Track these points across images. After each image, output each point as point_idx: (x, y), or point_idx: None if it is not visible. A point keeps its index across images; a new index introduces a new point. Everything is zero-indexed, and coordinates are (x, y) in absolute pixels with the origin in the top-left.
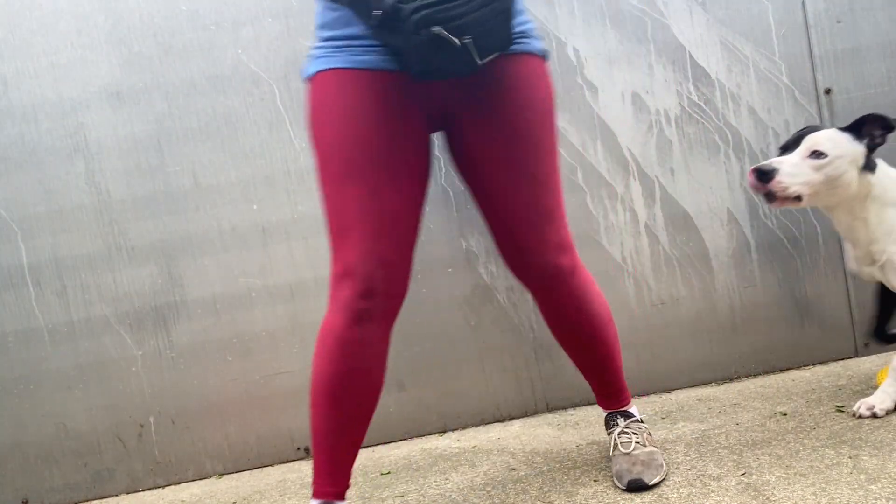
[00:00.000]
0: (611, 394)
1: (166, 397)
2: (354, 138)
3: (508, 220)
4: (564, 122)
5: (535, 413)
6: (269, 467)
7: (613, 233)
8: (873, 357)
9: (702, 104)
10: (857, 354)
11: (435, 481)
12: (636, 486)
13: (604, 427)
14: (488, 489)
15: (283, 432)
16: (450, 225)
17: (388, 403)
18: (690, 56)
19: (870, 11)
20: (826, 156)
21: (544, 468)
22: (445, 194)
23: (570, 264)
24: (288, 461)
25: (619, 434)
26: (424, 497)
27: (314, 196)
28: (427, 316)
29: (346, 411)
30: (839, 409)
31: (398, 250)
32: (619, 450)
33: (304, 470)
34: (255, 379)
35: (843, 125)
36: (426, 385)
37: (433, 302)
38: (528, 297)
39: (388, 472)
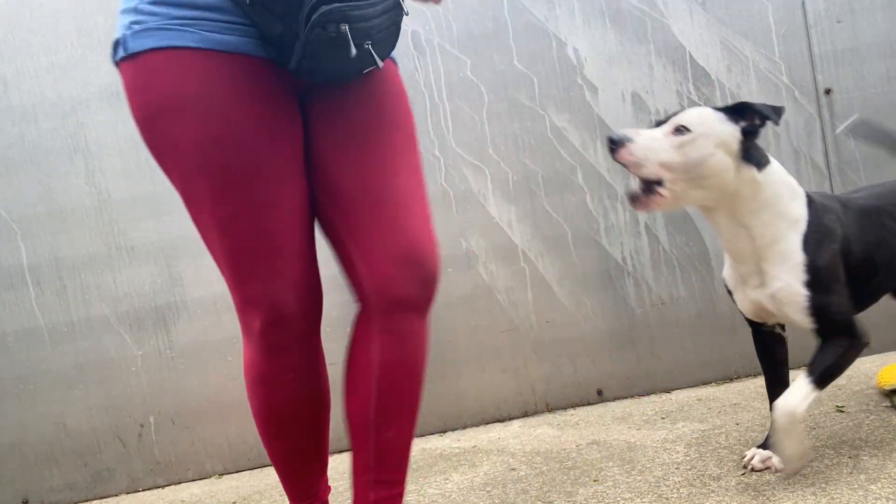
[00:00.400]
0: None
1: (166, 397)
2: (225, 141)
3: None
4: (564, 122)
5: (534, 413)
6: (269, 468)
7: (613, 233)
8: (874, 357)
9: (702, 104)
10: None
11: (435, 481)
12: None
13: (604, 427)
14: (488, 489)
15: None
16: (449, 225)
17: None
18: (690, 56)
19: (870, 11)
20: (690, 132)
21: (544, 468)
22: (445, 194)
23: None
24: None
25: None
26: (424, 497)
27: None
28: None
29: (293, 439)
30: (839, 410)
31: (301, 264)
32: None
33: None
34: None
35: (837, 126)
36: (426, 385)
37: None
38: (529, 297)
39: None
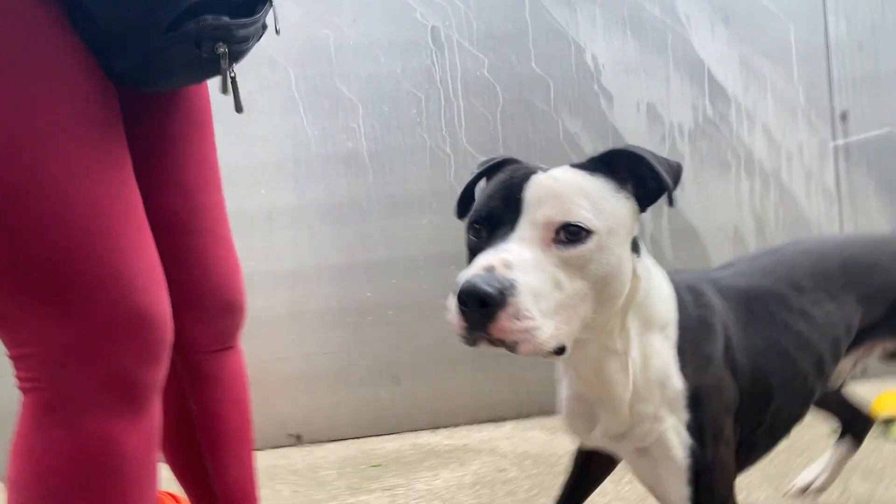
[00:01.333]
0: None
1: None
2: (92, 101)
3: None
4: (577, 128)
5: (528, 416)
6: (260, 451)
7: None
8: (870, 383)
9: (716, 120)
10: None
11: (424, 477)
12: None
13: None
14: (476, 488)
15: (275, 418)
16: (456, 223)
17: (383, 396)
18: (709, 71)
19: (892, 39)
20: (591, 233)
21: (533, 471)
22: (453, 192)
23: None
24: (279, 447)
25: None
26: (413, 491)
27: (322, 184)
28: (426, 312)
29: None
30: (834, 432)
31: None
32: None
33: (295, 457)
34: (250, 362)
35: (860, 151)
36: (421, 381)
37: (433, 298)
38: None
39: (379, 465)
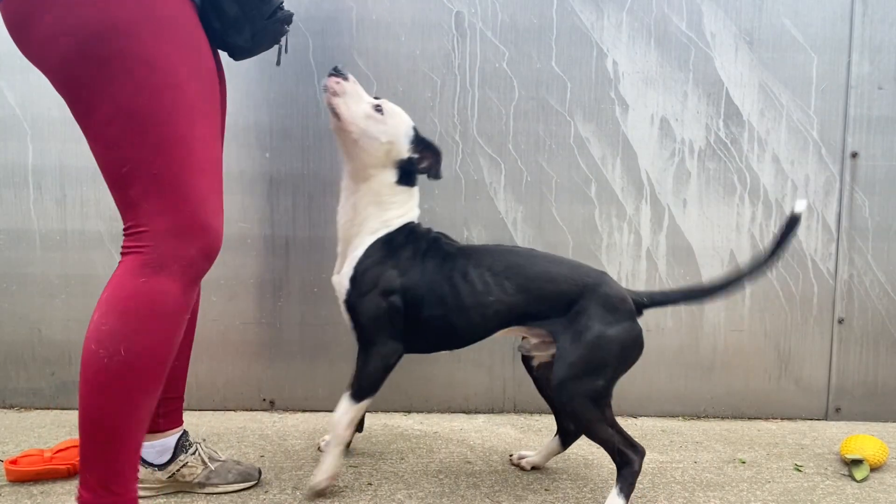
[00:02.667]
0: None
1: None
2: (203, 65)
3: None
4: (589, 133)
5: (501, 411)
6: (233, 412)
7: (614, 251)
8: (841, 423)
9: (728, 142)
10: (826, 418)
11: (391, 458)
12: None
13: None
14: (441, 477)
15: (251, 381)
16: (455, 213)
17: None
18: (727, 92)
19: None
20: (382, 115)
21: (499, 467)
22: (457, 180)
23: None
24: (252, 410)
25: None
26: (377, 472)
27: (328, 156)
28: None
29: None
30: (797, 468)
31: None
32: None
33: (266, 421)
34: (235, 324)
35: (865, 192)
36: (400, 364)
37: None
38: None
39: (347, 442)
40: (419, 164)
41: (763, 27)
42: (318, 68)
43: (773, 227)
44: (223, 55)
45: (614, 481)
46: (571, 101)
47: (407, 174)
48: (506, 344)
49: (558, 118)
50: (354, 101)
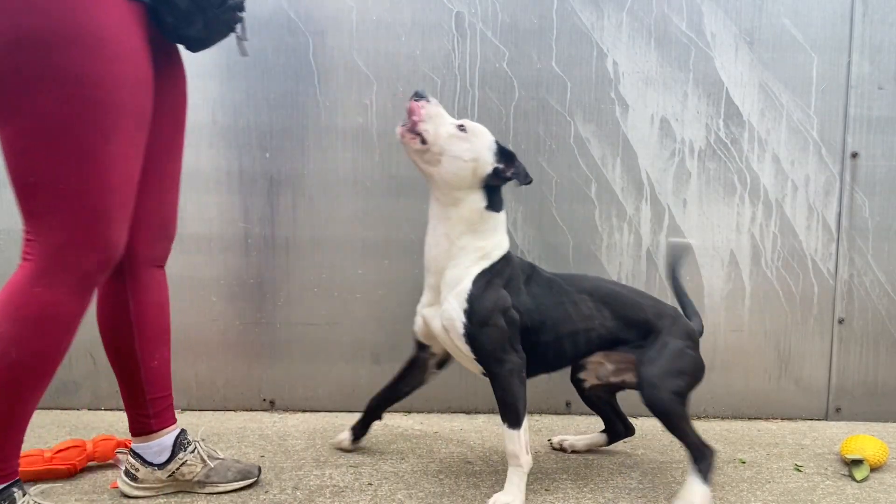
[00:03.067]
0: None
1: None
2: (137, 81)
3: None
4: (589, 133)
5: None
6: (232, 412)
7: (614, 252)
8: (841, 424)
9: (728, 142)
10: (826, 418)
11: (391, 458)
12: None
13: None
14: (441, 477)
15: (251, 381)
16: None
17: (360, 375)
18: (727, 92)
19: None
20: (465, 132)
21: (499, 467)
22: None
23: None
24: (251, 410)
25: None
26: (378, 472)
27: (327, 155)
28: (415, 296)
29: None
30: (797, 468)
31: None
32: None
33: (266, 421)
34: (234, 324)
35: (865, 192)
36: (400, 363)
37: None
38: None
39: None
40: (505, 173)
41: (763, 27)
42: (318, 68)
43: (774, 227)
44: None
45: (691, 472)
46: (571, 102)
47: (494, 197)
48: None
49: (558, 118)
50: (439, 124)
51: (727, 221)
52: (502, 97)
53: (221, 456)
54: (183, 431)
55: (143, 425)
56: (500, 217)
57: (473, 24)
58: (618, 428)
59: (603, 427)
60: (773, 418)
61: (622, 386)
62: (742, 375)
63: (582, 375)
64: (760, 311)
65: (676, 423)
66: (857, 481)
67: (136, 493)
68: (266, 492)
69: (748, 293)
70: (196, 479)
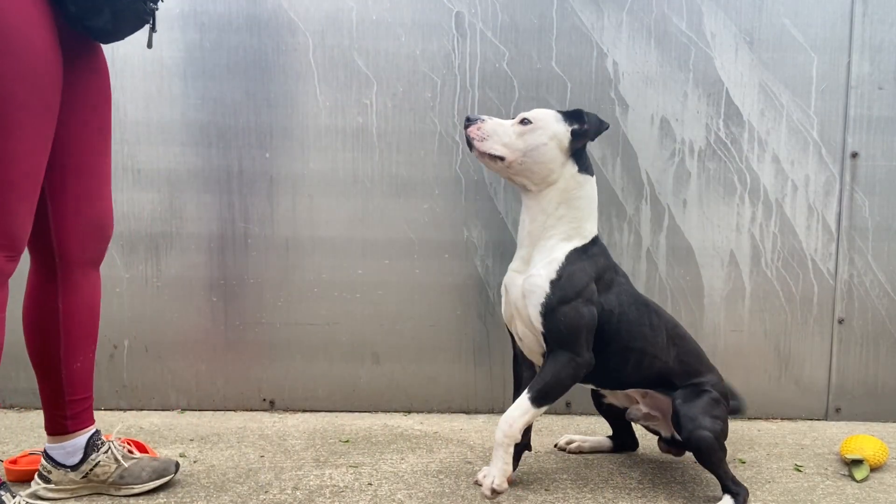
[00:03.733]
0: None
1: (145, 324)
2: (31, 74)
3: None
4: None
5: (502, 411)
6: (233, 412)
7: (614, 252)
8: (841, 423)
9: (728, 143)
10: (826, 418)
11: (391, 458)
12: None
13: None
14: (441, 477)
15: (251, 381)
16: (456, 212)
17: (360, 375)
18: (727, 92)
19: None
20: (531, 123)
21: None
22: (457, 180)
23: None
24: (252, 410)
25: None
26: (377, 471)
27: (327, 155)
28: (415, 296)
29: None
30: (797, 468)
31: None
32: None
33: (266, 421)
34: (234, 324)
35: (865, 192)
36: (401, 364)
37: (423, 284)
38: None
39: (347, 441)
40: (582, 130)
41: (763, 27)
42: (317, 68)
43: (774, 227)
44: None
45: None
46: (571, 101)
47: (582, 160)
48: (506, 344)
49: None
50: (502, 134)
51: (727, 221)
52: (502, 97)
53: (137, 455)
54: (97, 432)
55: (59, 426)
56: (593, 182)
57: (473, 24)
58: (625, 440)
59: (610, 433)
60: (773, 418)
61: (640, 421)
62: (742, 375)
63: (604, 392)
64: (760, 311)
65: (717, 463)
66: (857, 481)
67: (49, 494)
68: (266, 492)
69: (748, 293)
70: (110, 479)
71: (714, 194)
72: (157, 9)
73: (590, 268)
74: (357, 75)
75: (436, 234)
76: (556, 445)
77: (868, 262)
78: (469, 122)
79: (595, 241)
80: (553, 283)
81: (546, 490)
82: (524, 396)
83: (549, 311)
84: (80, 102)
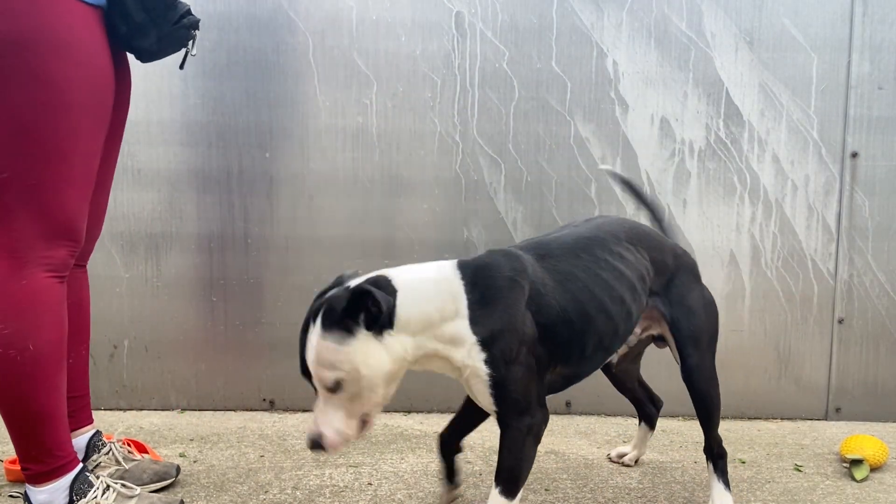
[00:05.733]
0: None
1: (144, 324)
2: (101, 84)
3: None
4: (589, 133)
5: None
6: (232, 412)
7: None
8: (841, 423)
9: (728, 142)
10: (826, 418)
11: (391, 458)
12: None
13: (566, 439)
14: (441, 477)
15: (251, 381)
16: (455, 212)
17: None
18: (727, 92)
19: None
20: (342, 381)
21: None
22: (457, 180)
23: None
24: (251, 410)
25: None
26: (377, 472)
27: (327, 155)
28: None
29: (66, 370)
30: (797, 468)
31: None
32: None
33: (266, 421)
34: (234, 324)
35: (865, 192)
36: None
37: None
38: None
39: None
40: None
41: (763, 27)
42: (318, 68)
43: (773, 227)
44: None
45: (714, 475)
46: (571, 101)
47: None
48: None
49: (558, 118)
50: (343, 432)
51: (727, 221)
52: (502, 97)
53: (138, 457)
54: (97, 433)
55: None
56: (403, 300)
57: (473, 24)
58: (649, 410)
59: (637, 419)
60: (773, 418)
61: (645, 344)
62: (742, 375)
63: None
64: (760, 311)
65: (716, 414)
66: (857, 481)
67: None
68: (266, 492)
69: (748, 293)
70: None
71: (714, 194)
72: (196, 35)
73: (497, 312)
74: (357, 75)
75: (436, 233)
76: (608, 455)
77: (868, 262)
78: (316, 446)
79: (468, 290)
80: (488, 360)
81: (546, 490)
82: (495, 493)
83: (498, 385)
84: (114, 114)
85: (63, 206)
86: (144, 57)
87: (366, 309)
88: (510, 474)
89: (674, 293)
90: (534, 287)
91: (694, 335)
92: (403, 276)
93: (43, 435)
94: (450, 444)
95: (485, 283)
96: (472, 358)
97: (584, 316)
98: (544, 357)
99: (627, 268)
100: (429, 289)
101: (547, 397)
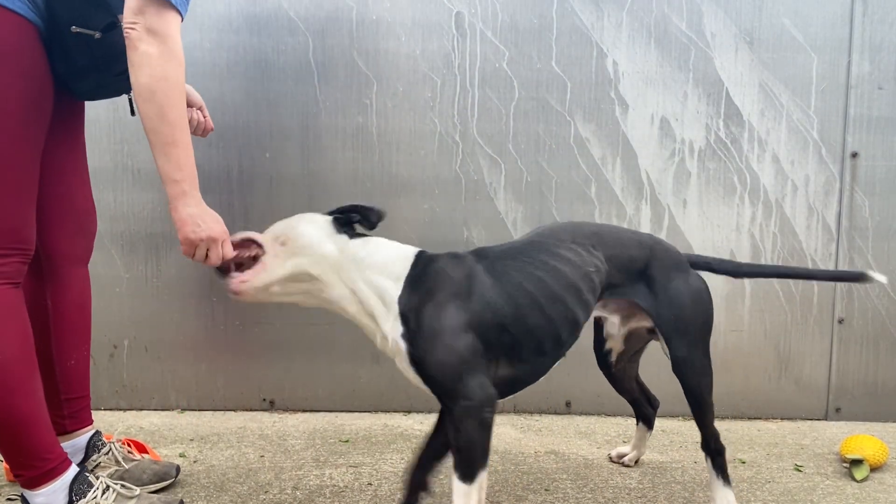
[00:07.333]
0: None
1: (144, 324)
2: (46, 94)
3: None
4: (589, 133)
5: (501, 412)
6: (232, 412)
7: None
8: (841, 423)
9: (728, 142)
10: (826, 418)
11: (391, 458)
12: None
13: (565, 439)
14: (440, 477)
15: (251, 381)
16: (455, 212)
17: (360, 375)
18: (727, 92)
19: None
20: (284, 246)
21: (499, 468)
22: (457, 181)
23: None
24: (251, 410)
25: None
26: (377, 471)
27: (327, 155)
28: None
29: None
30: (797, 468)
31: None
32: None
33: (266, 421)
34: (234, 324)
35: (866, 192)
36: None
37: None
38: None
39: (347, 441)
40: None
41: (763, 27)
42: (317, 68)
43: (773, 227)
44: None
45: (714, 472)
46: (571, 102)
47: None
48: None
49: (558, 118)
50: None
51: (727, 221)
52: (502, 97)
53: (138, 458)
54: (97, 433)
55: (57, 426)
56: (371, 239)
57: (473, 24)
58: (647, 410)
59: (635, 419)
60: (773, 418)
61: (643, 342)
62: (742, 375)
63: (608, 345)
64: (760, 311)
65: (708, 411)
66: (857, 481)
67: None
68: (266, 492)
69: (748, 293)
70: None
71: (714, 194)
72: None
73: (430, 294)
74: (357, 75)
75: (436, 233)
76: (608, 455)
77: (868, 262)
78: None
79: (419, 260)
80: (405, 337)
81: (546, 490)
82: (455, 481)
83: (418, 364)
84: (56, 106)
85: (6, 216)
86: (80, 98)
87: (346, 215)
88: (460, 457)
89: (655, 285)
90: (470, 280)
91: (679, 326)
92: (379, 237)
93: (27, 440)
94: (419, 480)
95: (425, 269)
96: (394, 331)
97: (516, 310)
98: (480, 348)
99: (567, 266)
100: (389, 249)
101: (547, 398)
